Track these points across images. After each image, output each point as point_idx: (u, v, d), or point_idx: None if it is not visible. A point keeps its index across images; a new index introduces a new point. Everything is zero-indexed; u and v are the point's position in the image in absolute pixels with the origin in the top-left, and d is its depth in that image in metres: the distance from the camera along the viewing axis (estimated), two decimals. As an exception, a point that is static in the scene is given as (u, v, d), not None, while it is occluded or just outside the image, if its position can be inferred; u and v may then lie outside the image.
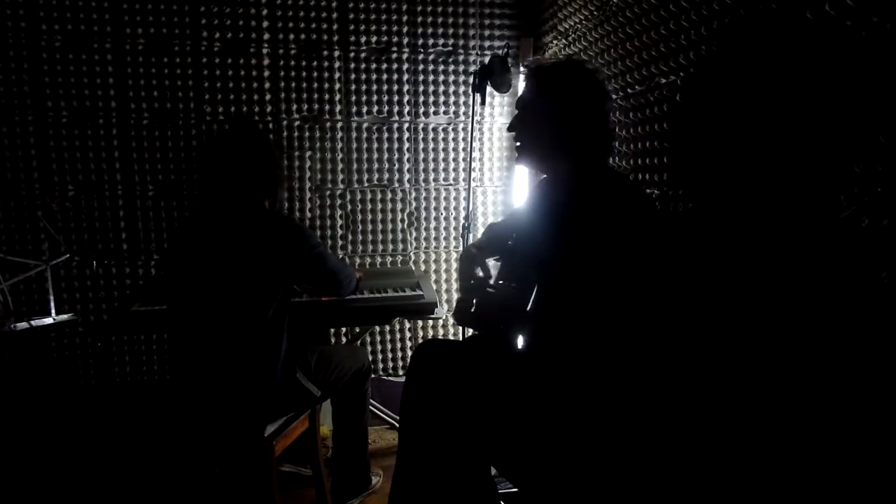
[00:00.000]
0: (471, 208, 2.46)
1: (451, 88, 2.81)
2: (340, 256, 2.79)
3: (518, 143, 1.53)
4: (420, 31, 2.76)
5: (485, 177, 2.91)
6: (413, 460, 1.43)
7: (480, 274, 1.69)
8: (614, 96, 2.03)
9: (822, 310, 0.73)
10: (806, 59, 0.77)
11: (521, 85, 2.74)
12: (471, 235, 2.42)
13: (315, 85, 2.70)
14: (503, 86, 2.33)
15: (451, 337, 2.96)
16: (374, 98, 2.75)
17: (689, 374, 0.85)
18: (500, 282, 1.65)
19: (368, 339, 2.85)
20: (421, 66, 2.78)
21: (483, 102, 2.34)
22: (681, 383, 0.86)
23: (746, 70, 0.81)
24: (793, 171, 0.79)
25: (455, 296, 2.92)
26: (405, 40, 2.75)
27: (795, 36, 0.79)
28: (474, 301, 1.49)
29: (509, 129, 1.53)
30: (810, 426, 0.73)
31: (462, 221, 2.52)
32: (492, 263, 1.78)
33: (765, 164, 0.80)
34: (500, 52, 2.45)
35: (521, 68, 2.20)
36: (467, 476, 1.37)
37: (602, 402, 1.17)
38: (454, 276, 2.92)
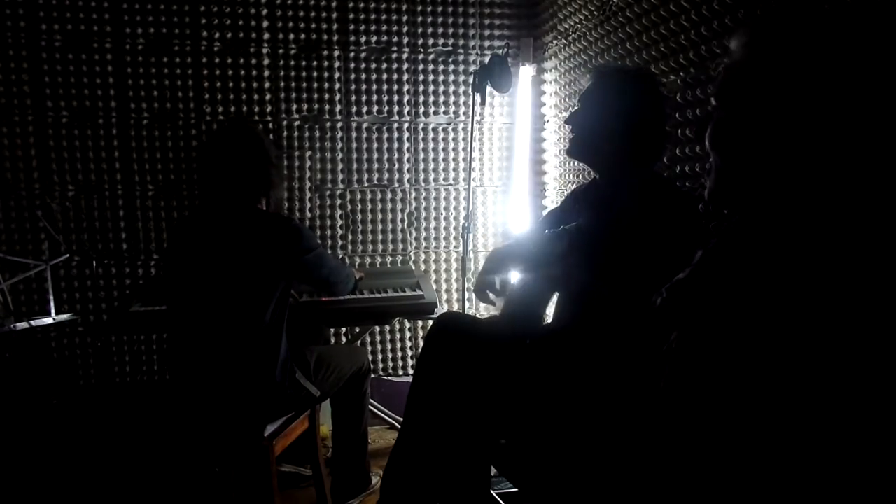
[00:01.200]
0: (471, 208, 2.46)
1: (451, 88, 2.81)
2: (340, 256, 2.79)
3: (575, 136, 1.54)
4: (420, 31, 2.76)
5: (485, 177, 2.91)
6: (411, 446, 1.43)
7: (498, 286, 1.68)
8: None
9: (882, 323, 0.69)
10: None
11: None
12: (471, 235, 2.42)
13: (315, 85, 2.70)
14: (503, 86, 2.33)
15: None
16: (374, 98, 2.75)
17: (690, 376, 0.85)
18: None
19: (368, 339, 2.85)
20: (421, 66, 2.78)
21: (483, 102, 2.34)
22: (683, 385, 0.86)
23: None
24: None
25: (455, 296, 2.92)
26: (405, 40, 2.75)
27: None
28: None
29: (567, 121, 1.54)
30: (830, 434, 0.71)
31: (462, 221, 2.52)
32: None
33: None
34: (500, 52, 2.45)
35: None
36: (464, 472, 1.37)
37: (604, 402, 1.17)
38: (454, 275, 2.92)
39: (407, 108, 2.78)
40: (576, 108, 1.54)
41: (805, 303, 0.72)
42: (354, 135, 2.76)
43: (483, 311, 2.93)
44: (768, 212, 0.81)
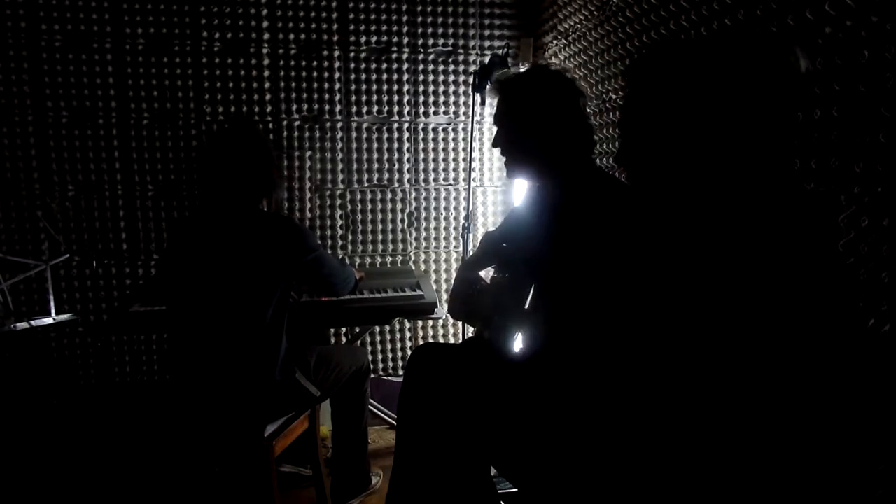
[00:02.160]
0: (471, 208, 2.46)
1: (451, 88, 2.81)
2: (340, 256, 2.79)
3: (504, 158, 1.55)
4: (420, 31, 2.76)
5: (485, 177, 2.91)
6: (410, 462, 1.42)
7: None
8: (613, 96, 2.03)
9: (818, 307, 0.73)
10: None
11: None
12: (471, 235, 2.42)
13: (315, 85, 2.70)
14: (503, 86, 2.33)
15: (450, 337, 2.96)
16: (374, 98, 2.75)
17: (686, 373, 0.85)
18: (494, 276, 1.66)
19: (368, 339, 2.85)
20: (421, 66, 2.78)
21: (483, 102, 2.34)
22: (678, 382, 0.86)
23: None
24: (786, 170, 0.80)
25: (455, 296, 2.92)
26: (405, 40, 2.75)
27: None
28: (467, 294, 1.52)
29: (493, 145, 1.54)
30: (806, 424, 0.73)
31: (462, 221, 2.52)
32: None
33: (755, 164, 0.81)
34: (500, 52, 2.45)
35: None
36: (466, 477, 1.37)
37: (601, 401, 1.17)
38: (454, 276, 2.92)
39: (407, 108, 2.78)
40: (494, 130, 1.54)
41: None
42: (354, 135, 2.76)
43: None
44: (680, 211, 0.93)
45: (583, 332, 1.25)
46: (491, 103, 1.58)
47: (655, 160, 0.92)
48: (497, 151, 2.83)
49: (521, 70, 1.53)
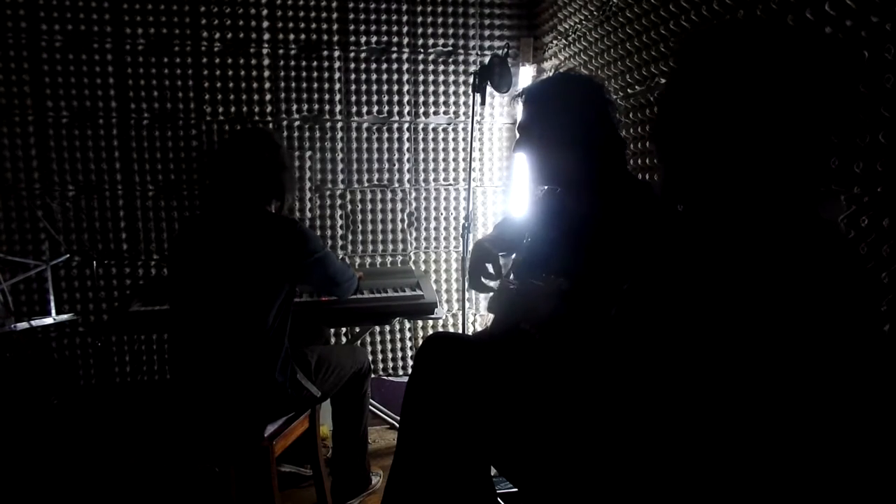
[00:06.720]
0: (471, 208, 2.45)
1: (451, 88, 2.81)
2: (340, 257, 2.79)
3: (530, 165, 1.54)
4: (420, 31, 2.76)
5: (485, 177, 2.91)
6: (412, 456, 1.42)
7: (491, 270, 1.70)
8: (614, 96, 2.03)
9: (820, 311, 0.73)
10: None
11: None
12: (471, 235, 2.41)
13: (315, 85, 2.70)
14: (503, 86, 2.33)
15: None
16: (374, 98, 2.75)
17: (690, 375, 0.85)
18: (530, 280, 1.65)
19: (368, 339, 2.85)
20: (421, 66, 2.78)
21: (483, 102, 2.34)
22: (682, 384, 0.86)
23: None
24: (788, 171, 0.80)
25: (455, 296, 2.92)
26: (405, 40, 2.75)
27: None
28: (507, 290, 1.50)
29: (515, 151, 1.54)
30: (809, 427, 0.73)
31: (462, 221, 2.52)
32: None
33: (759, 166, 0.81)
34: (500, 52, 2.45)
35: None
36: (466, 475, 1.37)
37: (604, 402, 1.17)
38: (454, 275, 2.92)
39: (407, 108, 2.78)
40: (518, 138, 1.52)
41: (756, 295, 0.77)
42: (354, 135, 2.77)
43: (482, 303, 2.94)
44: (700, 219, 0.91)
45: (605, 335, 1.24)
46: (511, 109, 1.57)
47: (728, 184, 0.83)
48: (497, 153, 2.83)
49: (545, 78, 1.54)
